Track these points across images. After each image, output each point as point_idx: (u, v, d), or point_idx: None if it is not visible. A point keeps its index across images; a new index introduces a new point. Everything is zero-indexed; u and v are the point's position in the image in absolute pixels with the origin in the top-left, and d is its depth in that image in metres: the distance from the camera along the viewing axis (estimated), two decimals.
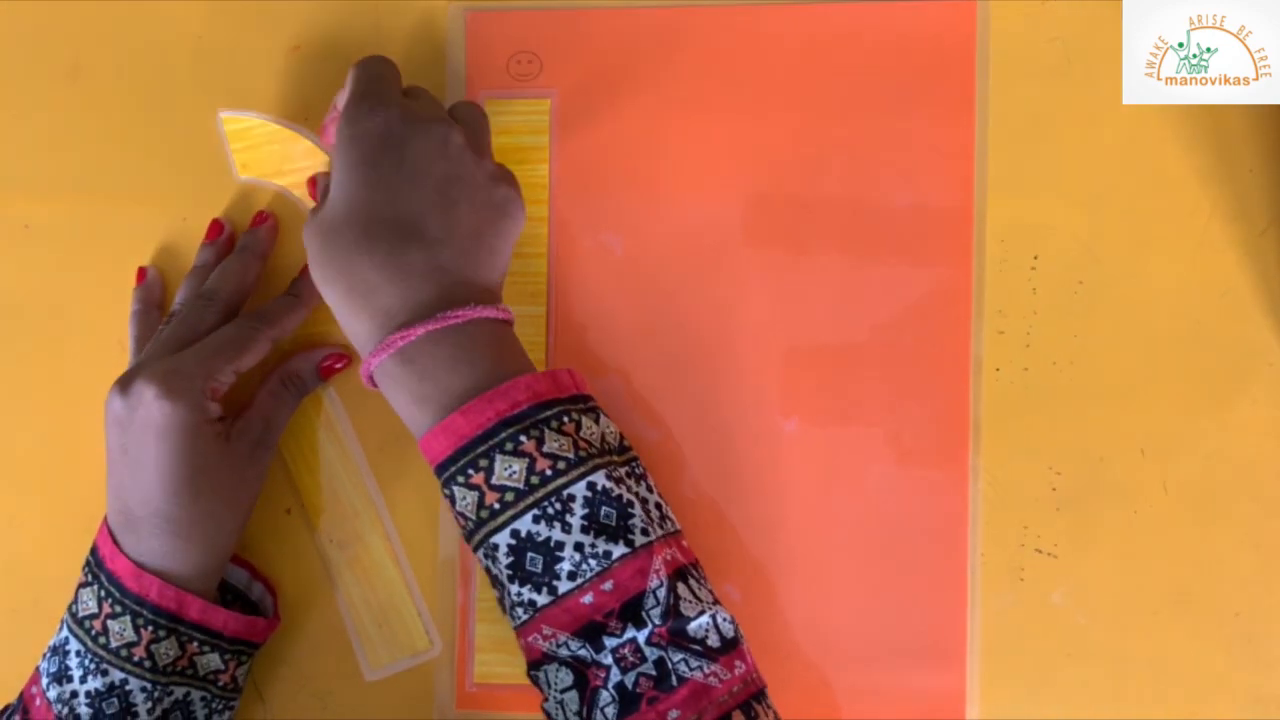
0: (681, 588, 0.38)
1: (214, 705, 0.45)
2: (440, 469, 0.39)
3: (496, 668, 0.48)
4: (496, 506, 0.38)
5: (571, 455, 0.38)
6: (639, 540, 0.38)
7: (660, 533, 0.39)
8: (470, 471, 0.38)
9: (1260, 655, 0.46)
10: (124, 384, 0.43)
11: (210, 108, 0.51)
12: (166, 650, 0.43)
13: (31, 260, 0.51)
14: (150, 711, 0.43)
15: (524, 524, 0.38)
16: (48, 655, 0.44)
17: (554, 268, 0.49)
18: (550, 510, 0.37)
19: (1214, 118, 0.47)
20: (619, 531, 0.38)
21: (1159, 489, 0.47)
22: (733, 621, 0.39)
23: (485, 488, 0.38)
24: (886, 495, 0.47)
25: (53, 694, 0.43)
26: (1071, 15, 0.47)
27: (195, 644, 0.44)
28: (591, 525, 0.37)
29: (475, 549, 0.39)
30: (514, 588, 0.38)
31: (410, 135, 0.41)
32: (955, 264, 0.48)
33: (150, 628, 0.42)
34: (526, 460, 0.38)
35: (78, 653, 0.43)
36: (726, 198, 0.48)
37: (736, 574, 0.48)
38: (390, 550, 0.49)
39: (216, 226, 0.50)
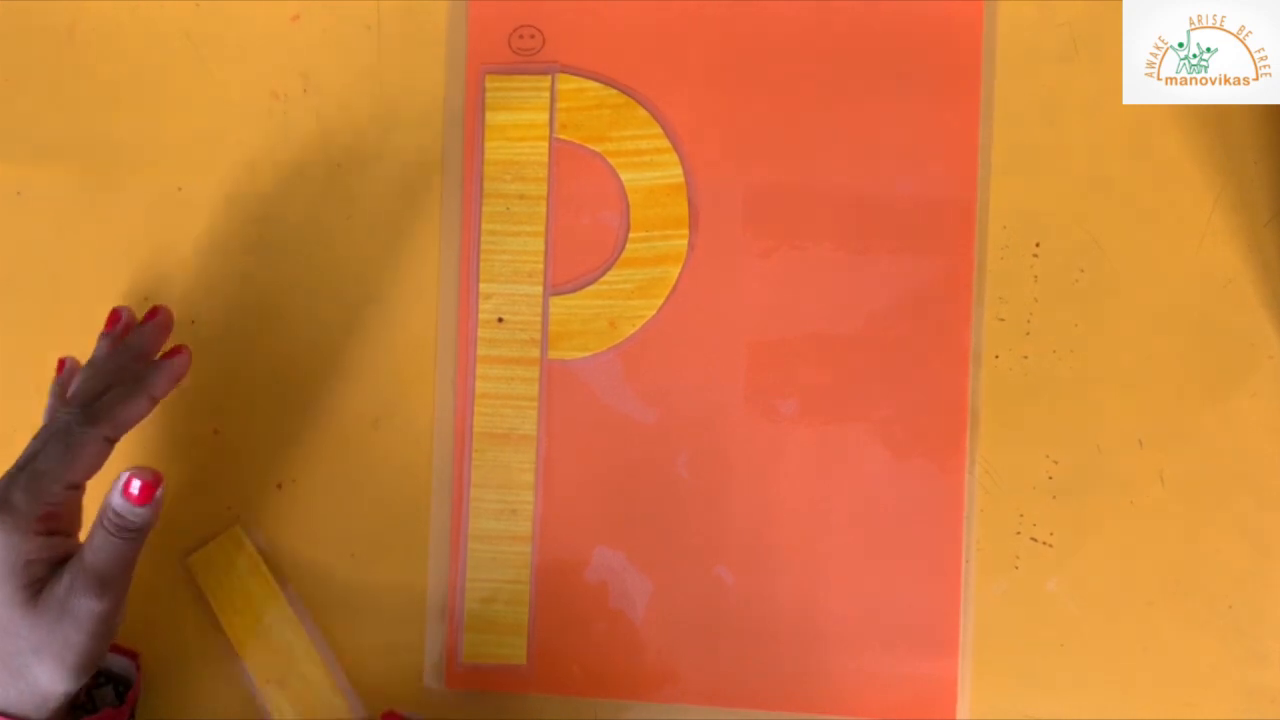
0: None
1: None
2: None
3: (485, 647, 0.48)
4: None
5: None
6: None
7: None
8: None
9: (1253, 648, 0.46)
10: None
11: (207, 75, 0.50)
12: None
13: (23, 227, 0.51)
14: None
15: None
16: None
17: (552, 246, 0.49)
18: None
19: (1219, 108, 0.47)
20: None
21: (1156, 480, 0.47)
22: None
23: None
24: (883, 481, 0.47)
25: None
26: (1080, 1, 0.47)
27: None
28: None
29: None
30: None
31: None
32: (957, 250, 0.47)
33: None
34: None
35: None
36: (726, 181, 0.48)
37: (731, 558, 0.47)
38: (329, 677, 0.48)
39: (114, 316, 0.47)
